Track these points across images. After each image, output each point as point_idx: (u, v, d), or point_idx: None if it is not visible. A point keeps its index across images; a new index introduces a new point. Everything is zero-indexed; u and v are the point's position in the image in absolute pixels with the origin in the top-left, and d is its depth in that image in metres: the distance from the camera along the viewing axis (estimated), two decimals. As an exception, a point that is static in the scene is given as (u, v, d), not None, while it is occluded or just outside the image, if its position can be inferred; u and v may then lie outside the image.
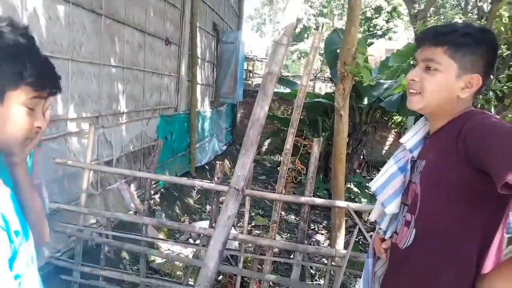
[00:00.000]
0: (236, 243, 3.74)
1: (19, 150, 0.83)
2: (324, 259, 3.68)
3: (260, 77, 14.18)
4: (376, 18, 19.47)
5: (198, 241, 2.90)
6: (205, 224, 3.49)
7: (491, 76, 4.19)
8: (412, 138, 1.29)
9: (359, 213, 5.35)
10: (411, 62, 1.32)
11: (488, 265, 1.07)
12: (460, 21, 4.48)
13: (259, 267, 2.84)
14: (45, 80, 0.79)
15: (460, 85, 1.11)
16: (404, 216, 1.26)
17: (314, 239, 4.92)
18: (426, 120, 1.28)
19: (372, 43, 16.36)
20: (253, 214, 5.47)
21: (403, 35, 19.92)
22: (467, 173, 1.01)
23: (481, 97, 4.32)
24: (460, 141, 1.03)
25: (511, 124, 0.97)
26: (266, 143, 10.20)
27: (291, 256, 2.84)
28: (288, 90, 8.88)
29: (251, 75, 13.84)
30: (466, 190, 1.04)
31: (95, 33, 3.41)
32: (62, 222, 2.74)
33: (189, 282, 2.69)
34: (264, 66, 17.49)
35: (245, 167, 2.12)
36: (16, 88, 0.75)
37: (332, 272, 2.66)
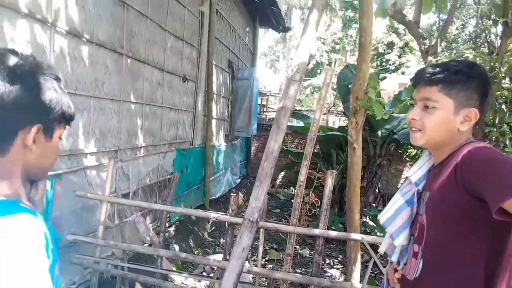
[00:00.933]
0: (250, 277, 3.71)
1: (46, 176, 0.95)
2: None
3: (274, 111, 14.39)
4: (389, 53, 19.75)
5: (212, 275, 2.90)
6: (219, 257, 3.49)
7: (505, 109, 4.21)
8: (417, 171, 1.34)
9: (374, 247, 5.26)
10: (409, 102, 1.38)
11: None
12: (471, 56, 4.55)
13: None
14: (73, 114, 0.91)
15: (459, 120, 1.16)
16: (412, 247, 1.28)
17: (329, 274, 4.83)
18: (430, 154, 1.32)
19: (385, 77, 16.53)
20: (267, 248, 5.41)
21: (416, 69, 20.07)
22: (466, 201, 1.06)
23: (495, 130, 4.33)
24: (458, 170, 1.09)
25: (500, 154, 1.03)
26: (280, 176, 10.21)
27: (306, 291, 2.80)
28: (301, 124, 8.98)
29: (265, 110, 14.05)
30: (467, 218, 1.08)
31: (116, 72, 3.59)
32: (79, 254, 2.79)
33: (203, 316, 2.68)
34: (278, 101, 17.76)
35: (259, 199, 2.16)
36: (59, 125, 0.87)
37: (348, 308, 2.62)
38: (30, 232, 0.74)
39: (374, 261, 2.43)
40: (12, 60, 0.80)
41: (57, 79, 0.88)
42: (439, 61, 4.76)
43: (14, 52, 0.83)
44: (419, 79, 1.24)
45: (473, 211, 1.05)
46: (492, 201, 0.94)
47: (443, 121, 1.17)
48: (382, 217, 1.39)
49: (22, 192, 0.86)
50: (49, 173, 0.91)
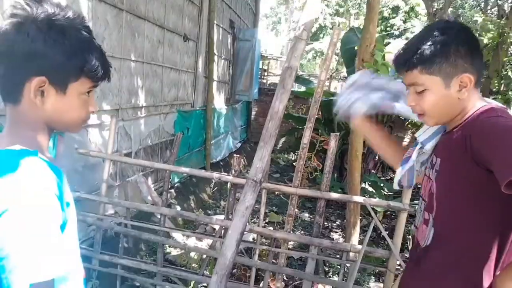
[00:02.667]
0: (251, 237, 3.78)
1: (76, 130, 0.92)
2: (338, 256, 3.68)
3: (275, 76, 14.21)
4: (393, 18, 19.25)
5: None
6: (220, 218, 3.54)
7: (511, 76, 4.13)
8: (426, 131, 1.30)
9: (375, 211, 5.33)
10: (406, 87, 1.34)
11: (504, 267, 1.05)
12: (480, 19, 4.41)
13: (274, 261, 2.87)
14: (101, 71, 0.86)
15: (455, 89, 1.10)
16: (421, 211, 1.28)
17: (328, 237, 4.92)
18: None
19: (389, 43, 16.21)
20: (267, 211, 5.49)
21: (420, 35, 19.65)
22: (476, 172, 1.01)
23: (500, 97, 4.27)
24: (468, 140, 1.03)
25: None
26: (281, 142, 10.21)
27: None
28: (303, 89, 8.88)
29: (266, 74, 13.86)
30: (477, 189, 1.04)
31: (116, 28, 3.49)
32: (82, 211, 2.82)
33: (205, 273, 2.74)
34: (279, 65, 17.49)
35: (263, 160, 2.15)
36: (76, 80, 0.83)
37: (346, 269, 2.67)
38: (42, 187, 0.73)
39: (374, 225, 2.46)
40: (23, 9, 0.78)
41: (84, 28, 0.83)
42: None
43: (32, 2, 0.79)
44: (397, 67, 1.18)
45: (483, 182, 1.01)
46: (500, 175, 0.88)
47: (438, 99, 1.12)
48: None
49: (41, 143, 0.85)
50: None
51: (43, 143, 0.86)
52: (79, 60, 0.81)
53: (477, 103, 1.13)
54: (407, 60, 1.12)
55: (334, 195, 2.65)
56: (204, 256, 2.77)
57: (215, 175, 2.65)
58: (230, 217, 2.62)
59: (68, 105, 0.84)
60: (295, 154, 9.16)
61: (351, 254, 2.63)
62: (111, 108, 3.48)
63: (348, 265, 2.60)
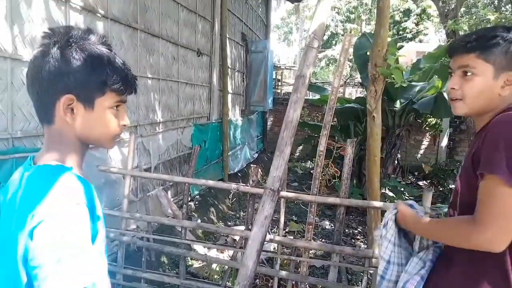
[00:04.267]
0: (272, 247, 3.78)
1: (109, 145, 0.96)
2: (360, 263, 3.64)
3: (289, 85, 14.24)
4: (405, 21, 19.13)
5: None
6: (240, 228, 3.55)
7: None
8: None
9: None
10: (448, 71, 1.35)
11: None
12: (493, 18, 4.35)
13: (296, 270, 2.86)
14: (125, 84, 0.90)
15: (499, 84, 1.15)
16: (448, 210, 1.32)
17: (350, 244, 4.87)
18: None
19: (402, 46, 16.08)
20: (286, 220, 5.48)
21: (433, 37, 19.47)
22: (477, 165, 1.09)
23: None
24: (480, 142, 1.11)
25: None
26: (298, 150, 10.20)
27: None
28: (317, 97, 8.88)
29: (279, 84, 13.92)
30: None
31: (132, 47, 3.58)
32: (104, 227, 2.87)
33: (227, 284, 2.75)
34: (292, 74, 17.53)
35: (280, 168, 2.16)
36: (102, 95, 0.87)
37: (369, 276, 2.64)
38: (75, 200, 0.77)
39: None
40: (47, 35, 0.85)
41: (104, 44, 0.88)
42: (460, 25, 4.59)
43: (49, 30, 0.86)
44: (456, 48, 1.23)
45: None
46: (481, 166, 1.05)
47: (483, 87, 1.16)
48: None
49: (75, 159, 0.89)
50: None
51: (77, 159, 0.90)
52: (102, 74, 0.84)
53: (507, 105, 1.17)
54: (470, 42, 1.17)
55: (354, 201, 2.64)
56: (226, 267, 2.78)
57: (233, 186, 2.68)
58: (250, 227, 2.63)
59: (98, 120, 0.87)
60: (312, 162, 9.14)
61: (373, 260, 2.60)
62: (129, 125, 3.56)
63: (371, 271, 2.56)
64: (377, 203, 2.58)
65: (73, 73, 0.82)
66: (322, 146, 2.59)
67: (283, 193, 2.60)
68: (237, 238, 3.62)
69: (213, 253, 3.82)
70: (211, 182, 2.80)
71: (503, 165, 1.00)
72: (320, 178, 2.73)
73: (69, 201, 0.76)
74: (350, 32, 17.02)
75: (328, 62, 23.50)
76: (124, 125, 0.94)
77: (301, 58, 2.37)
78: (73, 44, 0.83)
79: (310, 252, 3.21)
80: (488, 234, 0.99)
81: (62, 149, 0.87)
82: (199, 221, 4.40)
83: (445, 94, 5.95)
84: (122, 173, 2.83)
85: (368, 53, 5.36)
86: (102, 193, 3.18)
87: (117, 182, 3.27)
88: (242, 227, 2.93)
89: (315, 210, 2.66)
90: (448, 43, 5.51)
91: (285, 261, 3.32)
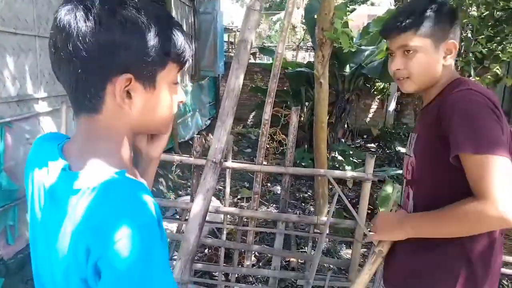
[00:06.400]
0: (221, 216, 3.76)
1: (168, 130, 0.78)
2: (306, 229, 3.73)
3: (242, 48, 13.93)
4: (358, -17, 19.12)
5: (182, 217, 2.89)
6: (186, 199, 3.48)
7: (471, 38, 4.17)
8: None
9: (343, 181, 5.41)
10: (388, 52, 1.29)
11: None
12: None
13: (244, 238, 2.86)
14: (186, 50, 0.70)
15: (441, 55, 1.16)
16: (405, 187, 1.31)
17: (300, 208, 4.98)
18: None
19: (355, 9, 16.11)
20: (238, 187, 5.48)
21: (385, 0, 19.66)
22: (443, 145, 1.05)
23: (461, 59, 4.31)
24: (439, 114, 1.08)
25: (477, 104, 1.02)
26: (251, 116, 10.14)
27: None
28: (271, 61, 8.76)
29: (232, 47, 13.58)
30: (447, 163, 1.06)
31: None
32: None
33: (174, 257, 2.70)
34: (246, 38, 17.17)
35: (222, 140, 2.08)
36: (164, 68, 0.67)
37: (315, 240, 2.69)
38: (147, 212, 0.58)
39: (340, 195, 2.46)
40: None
41: (158, 5, 0.67)
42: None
43: None
44: (390, 30, 1.21)
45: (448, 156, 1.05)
46: (452, 147, 1.01)
47: (427, 61, 1.16)
48: None
49: (126, 157, 0.70)
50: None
51: (128, 156, 0.71)
52: (164, 41, 0.65)
53: (452, 75, 1.19)
54: (403, 21, 1.15)
55: (298, 169, 2.63)
56: (169, 240, 2.72)
57: (176, 157, 2.57)
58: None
59: (160, 101, 0.69)
60: (266, 128, 9.13)
61: (320, 226, 2.65)
62: (62, 93, 3.30)
63: (316, 238, 2.61)
64: (320, 171, 2.60)
65: (131, 43, 0.61)
66: (267, 115, 2.53)
67: (228, 164, 2.54)
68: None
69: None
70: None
71: (483, 141, 0.97)
72: (268, 146, 2.70)
73: (142, 224, 0.57)
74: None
75: (282, 25, 23.20)
76: (181, 101, 0.76)
77: (243, 22, 2.24)
78: (124, 2, 0.61)
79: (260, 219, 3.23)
80: (501, 206, 0.93)
81: (109, 145, 0.67)
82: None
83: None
84: (55, 146, 2.63)
85: (315, 16, 5.27)
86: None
87: (52, 155, 3.05)
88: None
89: (261, 180, 2.64)
90: (396, 6, 5.53)
91: (233, 230, 3.31)
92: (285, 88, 8.29)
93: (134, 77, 0.63)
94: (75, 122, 0.69)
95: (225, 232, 2.65)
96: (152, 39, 0.63)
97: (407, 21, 1.15)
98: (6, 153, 2.63)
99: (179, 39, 0.67)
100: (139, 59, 0.62)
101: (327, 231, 2.49)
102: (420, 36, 1.14)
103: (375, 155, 2.75)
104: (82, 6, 0.59)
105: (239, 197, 5.15)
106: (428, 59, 1.16)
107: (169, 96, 0.71)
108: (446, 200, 1.05)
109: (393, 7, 9.37)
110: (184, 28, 6.86)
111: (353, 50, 3.89)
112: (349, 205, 2.44)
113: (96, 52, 0.59)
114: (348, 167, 5.98)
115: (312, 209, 5.09)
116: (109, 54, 0.60)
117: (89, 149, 0.66)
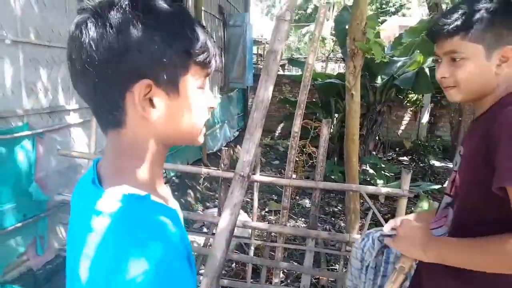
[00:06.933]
0: (249, 231, 3.68)
1: (200, 139, 0.69)
2: (337, 246, 3.58)
3: (271, 60, 13.95)
4: (389, -6, 18.90)
5: (209, 230, 2.84)
6: (213, 211, 3.43)
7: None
8: None
9: (375, 196, 5.22)
10: (434, 57, 1.20)
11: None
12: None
13: (272, 253, 2.77)
14: (210, 52, 0.63)
15: (494, 63, 1.01)
16: (444, 205, 1.19)
17: (330, 223, 4.82)
18: None
19: (385, 20, 15.89)
20: (266, 200, 5.39)
21: (416, 11, 19.30)
22: (492, 169, 0.92)
23: None
24: (487, 133, 0.95)
25: None
26: (279, 128, 10.07)
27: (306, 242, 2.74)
28: (300, 73, 8.70)
29: (262, 59, 13.63)
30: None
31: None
32: (68, 214, 2.71)
33: (200, 271, 2.64)
34: (275, 50, 17.22)
35: (250, 152, 2.01)
36: (187, 72, 0.61)
37: (346, 260, 2.57)
38: (160, 250, 0.52)
39: (373, 211, 2.34)
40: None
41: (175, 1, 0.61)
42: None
43: None
44: (437, 33, 1.06)
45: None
46: (496, 176, 0.88)
47: (477, 70, 1.01)
48: None
49: (155, 176, 0.64)
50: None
51: (158, 173, 0.65)
52: (184, 40, 0.58)
53: (509, 85, 1.03)
54: (451, 24, 1.02)
55: (329, 184, 2.53)
56: (196, 253, 2.66)
57: (204, 170, 2.53)
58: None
59: (186, 108, 0.62)
60: (294, 140, 9.03)
61: (352, 244, 2.52)
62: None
63: (348, 256, 2.49)
64: (352, 186, 2.48)
65: (148, 45, 0.55)
66: (296, 127, 2.45)
67: (256, 177, 2.47)
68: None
69: (190, 236, 3.71)
70: (180, 167, 2.65)
71: None
72: (297, 159, 2.61)
73: (161, 259, 0.50)
74: (333, 6, 16.66)
75: (311, 37, 23.16)
76: (212, 107, 0.69)
77: (272, 32, 2.19)
78: (135, 2, 0.56)
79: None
80: None
81: (136, 162, 0.62)
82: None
83: (426, 70, 5.85)
84: (85, 157, 2.65)
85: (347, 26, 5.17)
86: (66, 178, 3.00)
87: (82, 166, 3.08)
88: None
89: (290, 194, 2.55)
90: (430, 16, 5.36)
91: (261, 246, 3.23)
92: (314, 100, 8.19)
93: (153, 83, 0.57)
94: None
95: (252, 248, 2.57)
96: (169, 39, 0.57)
97: (455, 23, 1.01)
98: (38, 163, 2.67)
99: (201, 37, 0.60)
100: (157, 61, 0.56)
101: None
102: (470, 42, 1.00)
103: (409, 169, 2.61)
104: (93, 13, 0.56)
105: (267, 209, 5.06)
106: (478, 67, 1.01)
107: (197, 102, 0.64)
108: (490, 229, 0.93)
109: (425, 18, 9.14)
110: (214, 40, 6.95)
111: (385, 60, 3.77)
112: (383, 222, 2.31)
113: (109, 57, 0.54)
114: (380, 181, 5.78)
115: (342, 224, 4.93)
116: (122, 58, 0.54)
117: (116, 167, 0.61)
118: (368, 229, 2.42)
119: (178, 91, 0.60)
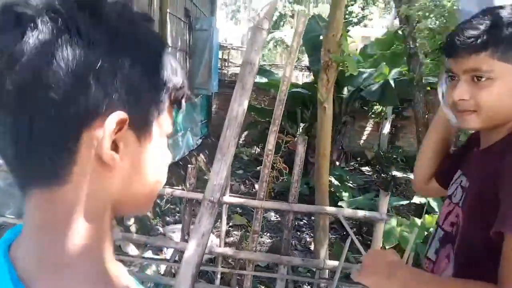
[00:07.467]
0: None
1: (150, 205, 0.50)
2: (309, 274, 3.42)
3: (236, 66, 13.77)
4: (352, 5, 19.30)
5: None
6: (179, 227, 3.16)
7: None
8: None
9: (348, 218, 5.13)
10: (448, 74, 1.03)
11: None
12: (449, 4, 4.16)
13: (239, 278, 2.56)
14: (185, 87, 0.47)
15: None
16: (438, 240, 1.04)
17: (296, 237, 4.67)
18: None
19: (349, 30, 16.20)
20: (230, 213, 5.17)
21: (378, 22, 19.88)
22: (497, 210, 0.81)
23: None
24: (497, 171, 0.83)
25: None
26: (243, 135, 9.88)
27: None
28: (264, 80, 8.56)
29: (226, 64, 13.40)
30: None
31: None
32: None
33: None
34: (240, 55, 17.08)
35: (222, 175, 1.80)
36: (162, 108, 0.44)
37: (320, 285, 2.40)
38: None
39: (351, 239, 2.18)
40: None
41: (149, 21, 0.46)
42: (412, 10, 4.39)
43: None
44: (459, 46, 0.86)
45: None
46: (497, 219, 0.79)
47: (505, 94, 0.84)
48: None
49: (108, 255, 0.43)
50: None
51: (109, 256, 0.44)
52: (162, 73, 0.43)
53: None
54: (478, 37, 0.83)
55: (304, 207, 2.35)
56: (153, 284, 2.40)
57: (167, 190, 2.27)
58: (186, 238, 2.26)
59: (154, 157, 0.45)
60: (258, 148, 8.88)
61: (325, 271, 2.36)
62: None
63: (322, 285, 2.32)
64: (331, 209, 2.32)
65: (122, 70, 0.38)
66: (270, 145, 2.26)
67: (226, 199, 2.25)
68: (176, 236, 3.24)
69: (149, 254, 3.41)
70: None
71: None
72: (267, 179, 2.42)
73: None
74: (298, 14, 16.78)
75: (275, 44, 23.22)
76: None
77: (248, 41, 1.99)
78: (103, 9, 0.40)
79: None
80: None
81: (85, 242, 0.40)
82: (132, 221, 3.93)
83: (391, 82, 5.86)
84: None
85: (320, 37, 5.06)
86: (6, 196, 2.64)
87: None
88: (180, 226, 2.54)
89: (261, 216, 2.35)
90: (400, 28, 5.35)
91: (228, 273, 3.01)
92: (279, 108, 8.08)
93: (128, 121, 0.39)
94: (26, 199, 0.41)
95: (219, 276, 2.34)
96: (146, 67, 0.41)
97: (484, 37, 0.83)
98: None
99: (177, 71, 0.45)
100: (132, 94, 0.39)
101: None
102: (499, 60, 0.83)
103: (370, 179, 2.49)
104: (37, 20, 0.36)
105: (231, 224, 4.84)
106: (506, 90, 0.84)
107: (165, 153, 0.47)
108: (493, 270, 0.81)
109: (389, 29, 9.31)
110: (179, 44, 6.67)
111: (355, 73, 3.70)
112: (362, 250, 2.16)
113: (62, 83, 0.36)
114: (345, 194, 5.72)
115: (308, 238, 4.79)
116: (83, 86, 0.36)
117: (47, 252, 0.39)
118: (345, 257, 2.27)
119: (151, 135, 0.43)
